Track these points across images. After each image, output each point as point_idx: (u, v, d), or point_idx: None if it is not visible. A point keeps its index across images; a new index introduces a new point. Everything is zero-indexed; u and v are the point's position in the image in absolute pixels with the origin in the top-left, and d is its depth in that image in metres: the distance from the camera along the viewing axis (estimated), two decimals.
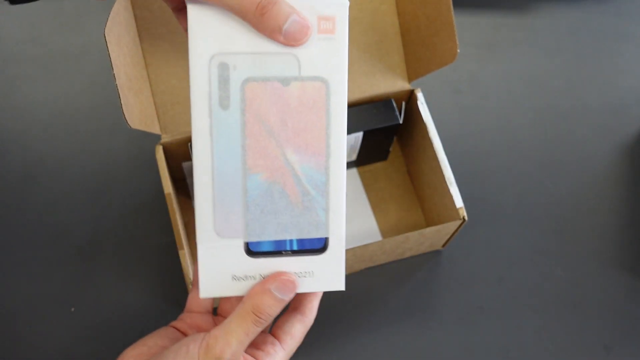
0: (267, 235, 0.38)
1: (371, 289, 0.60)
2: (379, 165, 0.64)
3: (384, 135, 0.58)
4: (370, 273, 0.60)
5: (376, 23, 0.56)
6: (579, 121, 0.68)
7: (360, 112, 0.55)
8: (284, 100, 0.37)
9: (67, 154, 0.63)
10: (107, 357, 0.56)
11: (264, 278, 0.39)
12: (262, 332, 0.40)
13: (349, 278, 0.58)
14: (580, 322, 0.59)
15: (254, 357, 0.39)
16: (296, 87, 0.37)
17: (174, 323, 0.43)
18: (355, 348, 0.57)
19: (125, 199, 0.61)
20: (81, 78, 0.66)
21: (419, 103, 0.56)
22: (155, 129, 0.52)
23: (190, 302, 0.44)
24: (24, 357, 0.55)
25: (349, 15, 0.55)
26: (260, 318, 0.37)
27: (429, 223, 0.61)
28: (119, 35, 0.44)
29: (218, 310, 0.44)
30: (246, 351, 0.39)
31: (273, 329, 0.41)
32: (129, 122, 0.44)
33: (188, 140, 0.53)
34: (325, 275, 0.39)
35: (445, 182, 0.55)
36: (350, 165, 0.63)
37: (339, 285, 0.40)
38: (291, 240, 0.39)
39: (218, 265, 0.38)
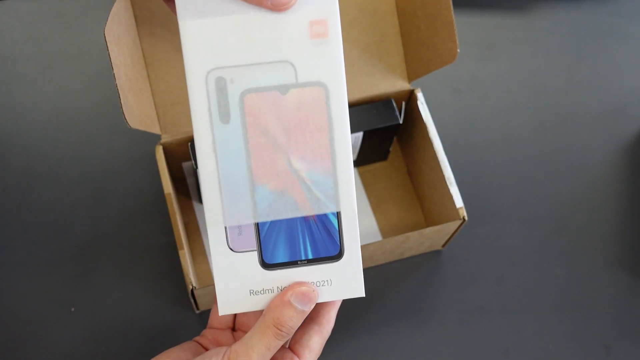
0: (281, 245, 0.38)
1: (371, 289, 0.59)
2: (379, 165, 0.64)
3: (384, 135, 0.58)
4: (370, 273, 0.60)
5: (376, 23, 0.56)
6: (579, 121, 0.68)
7: (360, 112, 0.55)
8: (283, 109, 0.37)
9: (67, 154, 0.63)
10: (107, 357, 0.56)
11: (281, 290, 0.38)
12: (282, 347, 0.39)
13: None
14: (580, 322, 0.59)
15: None
16: (294, 94, 0.37)
17: (197, 338, 0.42)
18: (355, 348, 0.57)
19: (125, 199, 0.61)
20: (81, 78, 0.66)
21: (419, 103, 0.56)
22: (155, 129, 0.52)
23: (212, 319, 0.43)
24: (24, 357, 0.55)
25: (349, 16, 0.55)
26: (281, 331, 0.37)
27: (429, 223, 0.61)
28: (119, 35, 0.44)
29: (236, 324, 0.43)
30: None
31: (291, 344, 0.40)
32: (129, 122, 0.44)
33: (188, 140, 0.53)
34: (343, 282, 0.38)
35: (445, 182, 0.55)
36: None
37: (359, 291, 0.39)
38: (306, 250, 0.38)
39: (234, 282, 0.38)
